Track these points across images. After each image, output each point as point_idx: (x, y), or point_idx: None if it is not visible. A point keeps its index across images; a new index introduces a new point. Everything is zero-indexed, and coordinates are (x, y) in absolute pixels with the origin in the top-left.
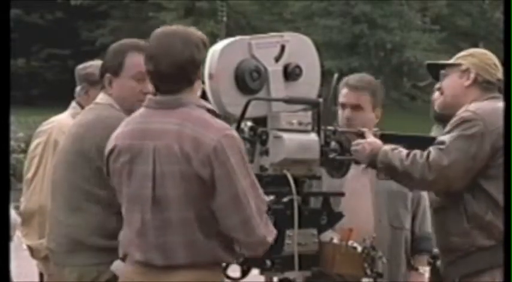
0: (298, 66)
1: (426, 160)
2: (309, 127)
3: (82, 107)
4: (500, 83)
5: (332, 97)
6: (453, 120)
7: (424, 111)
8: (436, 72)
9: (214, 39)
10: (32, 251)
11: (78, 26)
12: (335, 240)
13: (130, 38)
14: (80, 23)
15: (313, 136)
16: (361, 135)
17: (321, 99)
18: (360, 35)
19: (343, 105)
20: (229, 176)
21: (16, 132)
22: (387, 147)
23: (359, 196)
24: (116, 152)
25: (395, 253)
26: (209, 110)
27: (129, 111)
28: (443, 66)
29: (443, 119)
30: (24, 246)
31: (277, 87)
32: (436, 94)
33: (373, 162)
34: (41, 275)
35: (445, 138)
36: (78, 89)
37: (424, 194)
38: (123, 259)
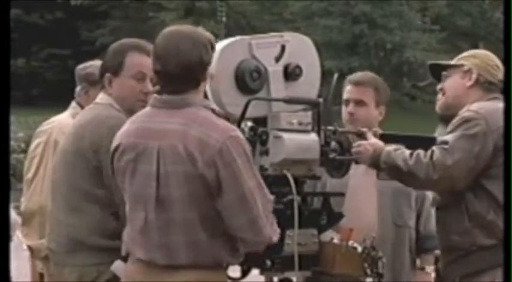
0: (298, 66)
1: (430, 159)
2: (309, 127)
3: (82, 107)
4: (501, 84)
5: (332, 97)
6: (455, 120)
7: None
8: (437, 73)
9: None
10: (32, 251)
11: (78, 26)
12: (335, 240)
13: (130, 38)
14: (80, 23)
15: (313, 136)
16: (361, 136)
17: (321, 99)
18: (360, 35)
19: (347, 101)
20: (235, 177)
21: (16, 132)
22: (390, 147)
23: (363, 195)
24: (120, 150)
25: (399, 252)
26: (214, 111)
27: (129, 111)
28: (445, 67)
29: (447, 119)
30: (24, 246)
31: (277, 87)
32: (440, 95)
33: (375, 162)
34: (41, 275)
35: (448, 137)
36: (78, 89)
37: (429, 193)
38: (125, 258)
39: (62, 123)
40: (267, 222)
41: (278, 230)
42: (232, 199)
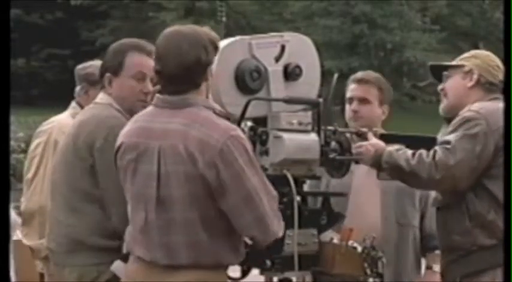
0: (298, 66)
1: (433, 159)
2: (309, 127)
3: (82, 107)
4: (502, 85)
5: (332, 97)
6: (456, 120)
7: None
8: (438, 73)
9: None
10: (33, 251)
11: (78, 26)
12: (335, 240)
13: (130, 38)
14: (80, 23)
15: (313, 136)
16: (361, 136)
17: (321, 99)
18: (360, 35)
19: (350, 100)
20: (238, 176)
21: (16, 132)
22: (391, 147)
23: (366, 195)
24: (123, 149)
25: (402, 251)
26: (215, 111)
27: (129, 111)
28: (446, 67)
29: (452, 120)
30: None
31: (277, 87)
32: (443, 98)
33: (377, 163)
34: (41, 275)
35: (450, 137)
36: (77, 89)
37: (432, 192)
38: (124, 258)
39: (62, 123)
40: (274, 218)
41: (283, 224)
42: (237, 199)
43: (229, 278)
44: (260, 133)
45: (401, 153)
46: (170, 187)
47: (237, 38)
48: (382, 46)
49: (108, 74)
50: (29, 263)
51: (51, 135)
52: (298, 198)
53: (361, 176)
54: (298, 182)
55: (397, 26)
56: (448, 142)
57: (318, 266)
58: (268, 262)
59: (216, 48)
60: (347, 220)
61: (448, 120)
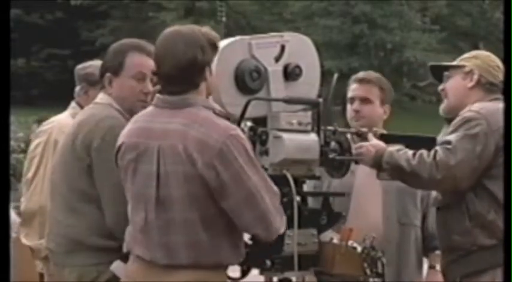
0: (298, 66)
1: (433, 159)
2: (309, 127)
3: (81, 107)
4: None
5: (332, 97)
6: (456, 120)
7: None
8: (439, 73)
9: None
10: (32, 251)
11: (78, 26)
12: (335, 240)
13: (130, 38)
14: (80, 23)
15: (313, 136)
16: (361, 136)
17: (321, 99)
18: (360, 35)
19: (352, 99)
20: (239, 176)
21: (16, 132)
22: (392, 148)
23: (368, 195)
24: (123, 150)
25: (403, 250)
26: (215, 111)
27: (129, 111)
28: (447, 67)
29: (452, 120)
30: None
31: (277, 87)
32: (444, 98)
33: (378, 163)
34: (41, 275)
35: (451, 137)
36: (77, 89)
37: (434, 192)
38: (124, 258)
39: (62, 123)
40: (276, 215)
41: (285, 219)
42: (239, 198)
43: (229, 278)
44: (260, 133)
45: (402, 153)
46: (169, 187)
47: (237, 38)
48: (382, 46)
49: (108, 74)
50: (28, 263)
51: (51, 135)
52: (298, 198)
53: (363, 176)
54: (298, 182)
55: (397, 26)
56: (448, 142)
57: (317, 266)
58: (268, 262)
59: (215, 48)
60: (349, 220)
61: (449, 121)
